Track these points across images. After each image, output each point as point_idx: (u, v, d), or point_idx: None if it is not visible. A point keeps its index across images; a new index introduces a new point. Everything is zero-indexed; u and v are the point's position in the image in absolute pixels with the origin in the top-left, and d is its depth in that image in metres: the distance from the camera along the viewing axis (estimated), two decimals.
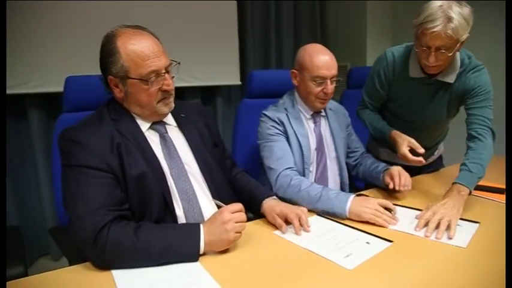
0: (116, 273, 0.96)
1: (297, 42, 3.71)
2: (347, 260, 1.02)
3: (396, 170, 1.51)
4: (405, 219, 1.31)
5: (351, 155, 1.80)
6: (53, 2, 2.34)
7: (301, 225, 1.21)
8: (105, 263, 0.98)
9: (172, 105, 1.21)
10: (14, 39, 2.24)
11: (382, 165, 1.64)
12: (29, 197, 2.57)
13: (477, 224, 1.25)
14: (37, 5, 2.30)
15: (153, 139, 1.20)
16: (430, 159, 1.98)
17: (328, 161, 1.67)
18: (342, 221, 1.29)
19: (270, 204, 1.30)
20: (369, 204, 1.30)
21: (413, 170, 1.90)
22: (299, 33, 3.73)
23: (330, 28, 3.93)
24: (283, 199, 1.42)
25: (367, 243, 1.13)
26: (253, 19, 3.42)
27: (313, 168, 1.64)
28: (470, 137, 1.52)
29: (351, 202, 1.31)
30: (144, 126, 1.19)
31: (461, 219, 1.28)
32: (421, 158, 1.51)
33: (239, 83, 3.24)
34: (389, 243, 1.13)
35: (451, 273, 0.97)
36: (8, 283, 0.94)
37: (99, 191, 1.02)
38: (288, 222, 1.23)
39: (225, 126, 3.28)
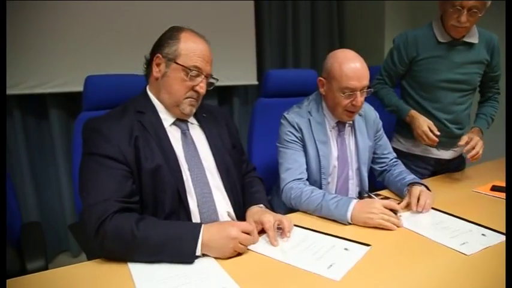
0: (132, 267, 0.98)
1: (314, 42, 3.69)
2: (331, 271, 0.97)
3: (418, 190, 1.39)
4: (414, 217, 1.31)
5: (378, 161, 1.69)
6: (74, 2, 2.39)
7: (283, 230, 1.15)
8: (105, 252, 1.01)
9: (194, 109, 1.26)
10: (37, 40, 2.31)
11: (410, 177, 1.53)
12: (50, 194, 2.63)
13: (503, 236, 1.18)
14: (58, 5, 2.35)
15: (175, 134, 1.24)
16: (454, 151, 1.95)
17: (350, 173, 1.59)
18: (315, 228, 1.23)
19: (252, 212, 1.25)
20: (374, 209, 1.24)
21: (440, 166, 1.95)
22: (316, 33, 3.70)
23: (347, 28, 3.89)
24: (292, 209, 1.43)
25: (346, 249, 1.09)
26: (271, 19, 3.41)
27: (332, 179, 1.55)
28: (488, 97, 1.94)
29: (353, 210, 1.25)
30: (167, 121, 1.23)
31: (487, 228, 1.24)
32: (437, 139, 1.72)
33: (256, 82, 3.24)
34: (367, 248, 1.09)
35: (451, 278, 0.95)
36: (28, 276, 0.97)
37: (111, 181, 1.05)
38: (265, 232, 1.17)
39: (241, 126, 3.27)
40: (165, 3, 2.69)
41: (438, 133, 1.72)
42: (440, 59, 1.75)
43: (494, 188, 1.62)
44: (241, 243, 1.04)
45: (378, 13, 3.63)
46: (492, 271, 0.99)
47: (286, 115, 1.55)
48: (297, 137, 1.51)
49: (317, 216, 1.35)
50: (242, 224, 1.09)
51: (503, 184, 1.62)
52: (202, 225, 1.04)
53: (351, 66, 1.40)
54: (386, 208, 1.26)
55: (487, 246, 1.11)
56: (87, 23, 2.46)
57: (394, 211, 1.29)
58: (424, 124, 1.74)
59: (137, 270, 0.97)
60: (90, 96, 1.51)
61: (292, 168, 1.48)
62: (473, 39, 1.74)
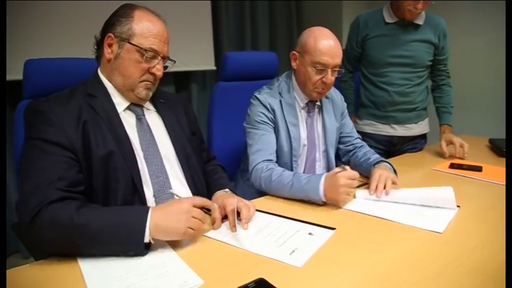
0: (83, 267, 0.89)
1: (272, 24, 3.67)
2: (293, 257, 0.93)
3: (377, 174, 1.34)
4: (376, 203, 1.28)
5: (342, 140, 1.69)
6: None
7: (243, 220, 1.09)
8: (42, 242, 0.91)
9: (151, 94, 1.19)
10: None
11: (374, 157, 1.52)
12: None
13: (457, 208, 1.21)
14: None
15: (129, 120, 1.16)
16: (406, 128, 2.01)
17: (317, 155, 1.59)
18: (279, 213, 1.19)
19: (216, 196, 1.23)
20: (339, 190, 1.19)
21: (392, 146, 2.05)
22: (274, 15, 3.67)
23: (305, 10, 3.90)
24: (260, 191, 1.40)
25: (310, 234, 1.06)
26: (227, 2, 3.33)
27: (301, 161, 1.55)
28: (441, 84, 2.02)
29: (323, 186, 1.22)
30: (120, 106, 1.15)
31: None
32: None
33: (214, 67, 3.16)
34: (332, 231, 1.07)
35: (426, 258, 0.93)
36: None
37: (54, 168, 0.96)
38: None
39: (200, 112, 3.20)
40: None
41: None
42: (387, 37, 1.89)
43: (453, 166, 1.66)
44: (194, 217, 0.96)
45: (336, 13, 3.67)
46: (459, 245, 0.99)
47: (258, 95, 1.51)
48: (268, 118, 1.48)
49: (285, 197, 1.32)
50: (195, 198, 1.03)
51: (461, 162, 1.70)
52: (151, 207, 0.96)
53: (325, 42, 1.40)
54: (349, 178, 1.22)
55: (451, 219, 1.13)
56: (27, 4, 2.26)
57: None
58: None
59: (88, 268, 0.88)
60: (30, 82, 1.36)
61: (263, 149, 1.45)
62: (419, 20, 1.86)
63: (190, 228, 0.96)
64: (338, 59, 1.42)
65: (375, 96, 1.97)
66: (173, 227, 0.94)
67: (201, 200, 1.04)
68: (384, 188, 1.30)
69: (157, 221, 0.93)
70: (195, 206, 0.99)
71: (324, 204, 1.25)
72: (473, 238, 1.03)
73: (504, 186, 1.40)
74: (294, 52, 1.50)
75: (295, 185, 1.28)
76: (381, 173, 1.35)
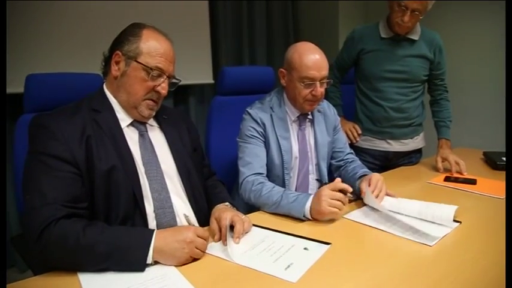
0: (83, 280, 0.90)
1: (269, 39, 3.70)
2: (288, 272, 0.94)
3: (375, 179, 1.39)
4: (372, 211, 1.31)
5: (333, 155, 1.70)
6: None
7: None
8: (48, 259, 0.93)
9: (153, 113, 1.21)
10: None
11: (361, 171, 1.53)
12: None
13: (457, 224, 1.21)
14: None
15: (132, 136, 1.17)
16: (402, 143, 2.02)
17: (310, 167, 1.60)
18: (275, 228, 1.20)
19: (216, 209, 1.23)
20: (321, 199, 1.21)
21: (388, 161, 2.05)
22: (272, 31, 3.71)
23: (302, 25, 3.94)
24: (248, 204, 1.41)
25: (305, 249, 1.06)
26: (226, 17, 3.37)
27: (294, 173, 1.57)
28: (439, 98, 2.02)
29: (310, 203, 1.24)
30: (124, 122, 1.16)
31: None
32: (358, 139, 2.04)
33: (212, 81, 3.19)
34: (327, 246, 1.07)
35: (421, 272, 0.94)
36: None
37: (57, 184, 0.97)
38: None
39: (198, 126, 3.21)
40: (116, 2, 2.58)
41: (359, 132, 2.02)
42: (382, 52, 1.90)
43: (447, 179, 1.68)
44: (197, 248, 0.99)
45: (332, 12, 3.72)
46: (454, 258, 1.00)
47: (249, 110, 1.54)
48: (258, 132, 1.51)
49: (273, 212, 1.33)
50: (199, 228, 1.04)
51: (455, 175, 1.73)
52: (155, 230, 0.98)
53: (310, 57, 1.43)
54: (334, 190, 1.24)
55: (445, 235, 1.13)
56: (30, 19, 2.29)
57: (343, 191, 1.27)
58: (345, 126, 2.01)
59: (88, 283, 0.89)
60: (31, 96, 1.38)
61: (253, 162, 1.46)
62: (414, 36, 1.88)
63: (192, 257, 0.99)
64: (324, 71, 1.45)
65: (371, 111, 1.98)
66: (176, 255, 0.97)
67: (204, 232, 1.04)
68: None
69: (161, 246, 0.96)
70: (198, 236, 1.00)
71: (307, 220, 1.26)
72: (468, 251, 1.04)
73: (499, 199, 1.43)
74: (282, 70, 1.53)
75: (283, 200, 1.29)
76: (378, 178, 1.39)
